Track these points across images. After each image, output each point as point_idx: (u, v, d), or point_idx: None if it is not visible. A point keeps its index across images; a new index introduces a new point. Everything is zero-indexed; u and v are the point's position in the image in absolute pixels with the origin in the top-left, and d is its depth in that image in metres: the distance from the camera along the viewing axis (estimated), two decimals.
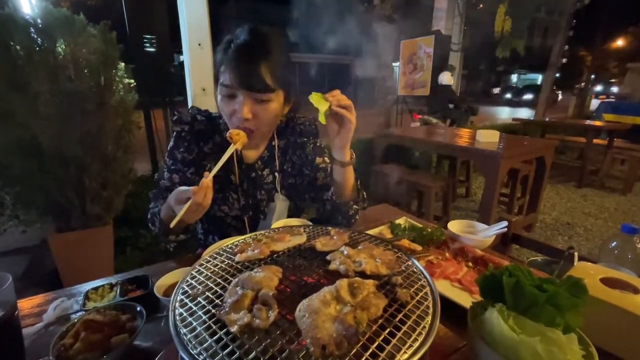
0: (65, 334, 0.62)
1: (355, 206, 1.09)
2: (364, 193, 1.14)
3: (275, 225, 1.01)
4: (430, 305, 0.49)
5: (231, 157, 0.99)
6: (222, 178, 1.05)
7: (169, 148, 1.07)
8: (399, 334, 0.43)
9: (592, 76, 12.64)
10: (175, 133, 1.06)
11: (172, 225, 0.77)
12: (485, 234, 1.06)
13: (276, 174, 1.11)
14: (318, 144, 1.17)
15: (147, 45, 2.49)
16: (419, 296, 0.51)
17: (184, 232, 1.03)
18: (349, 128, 0.92)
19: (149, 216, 1.04)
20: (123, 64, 2.15)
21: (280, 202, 1.10)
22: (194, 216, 0.82)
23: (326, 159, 1.15)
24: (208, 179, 0.78)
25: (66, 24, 1.86)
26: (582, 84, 11.44)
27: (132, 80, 2.31)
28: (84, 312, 0.71)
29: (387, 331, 0.43)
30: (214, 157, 1.03)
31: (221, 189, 1.05)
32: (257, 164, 1.09)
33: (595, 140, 4.94)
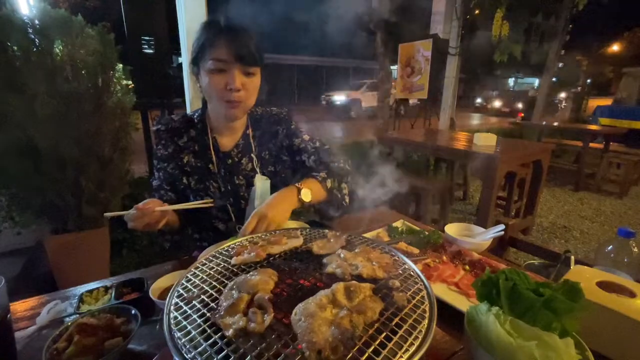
0: (59, 338, 0.61)
1: (344, 187, 1.16)
2: (346, 188, 1.17)
3: None
4: (427, 309, 0.48)
5: (208, 147, 1.10)
6: (201, 169, 1.10)
7: (154, 151, 1.15)
8: (396, 338, 0.42)
9: (588, 80, 12.75)
10: (155, 134, 1.14)
11: (106, 214, 0.86)
12: (483, 237, 1.06)
13: (253, 155, 1.15)
14: (292, 127, 1.21)
15: (146, 46, 2.49)
16: (415, 300, 0.50)
17: (176, 232, 1.11)
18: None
19: None
20: (121, 65, 2.15)
21: (262, 182, 1.11)
22: (135, 226, 0.87)
23: (305, 137, 1.20)
24: (153, 208, 0.86)
25: (64, 25, 1.85)
26: (579, 88, 11.54)
27: (130, 82, 2.30)
28: (77, 315, 0.70)
29: (383, 335, 0.43)
30: (190, 150, 1.11)
31: (201, 179, 1.10)
32: (233, 152, 1.14)
33: (591, 144, 4.97)
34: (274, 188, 1.11)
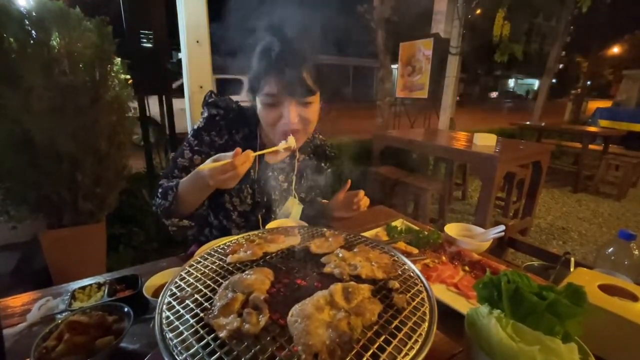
0: (49, 336, 0.59)
1: None
2: None
3: (269, 226, 0.99)
4: (427, 312, 0.47)
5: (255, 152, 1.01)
6: None
7: (195, 127, 1.05)
8: (395, 342, 0.41)
9: (588, 82, 12.74)
10: (208, 114, 1.04)
11: (201, 167, 0.82)
12: (483, 237, 1.05)
13: (293, 177, 1.13)
14: (328, 169, 1.26)
15: (144, 40, 2.46)
16: (415, 302, 0.49)
17: (187, 217, 1.00)
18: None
19: (159, 190, 0.98)
20: (119, 59, 2.12)
21: (297, 207, 1.12)
22: (223, 180, 0.82)
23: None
24: (253, 153, 0.82)
25: (61, 18, 1.82)
26: (578, 89, 11.53)
27: (128, 76, 2.27)
28: (69, 313, 0.69)
29: (382, 338, 0.42)
30: (242, 148, 1.02)
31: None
32: (277, 165, 1.12)
33: (590, 146, 4.97)
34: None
